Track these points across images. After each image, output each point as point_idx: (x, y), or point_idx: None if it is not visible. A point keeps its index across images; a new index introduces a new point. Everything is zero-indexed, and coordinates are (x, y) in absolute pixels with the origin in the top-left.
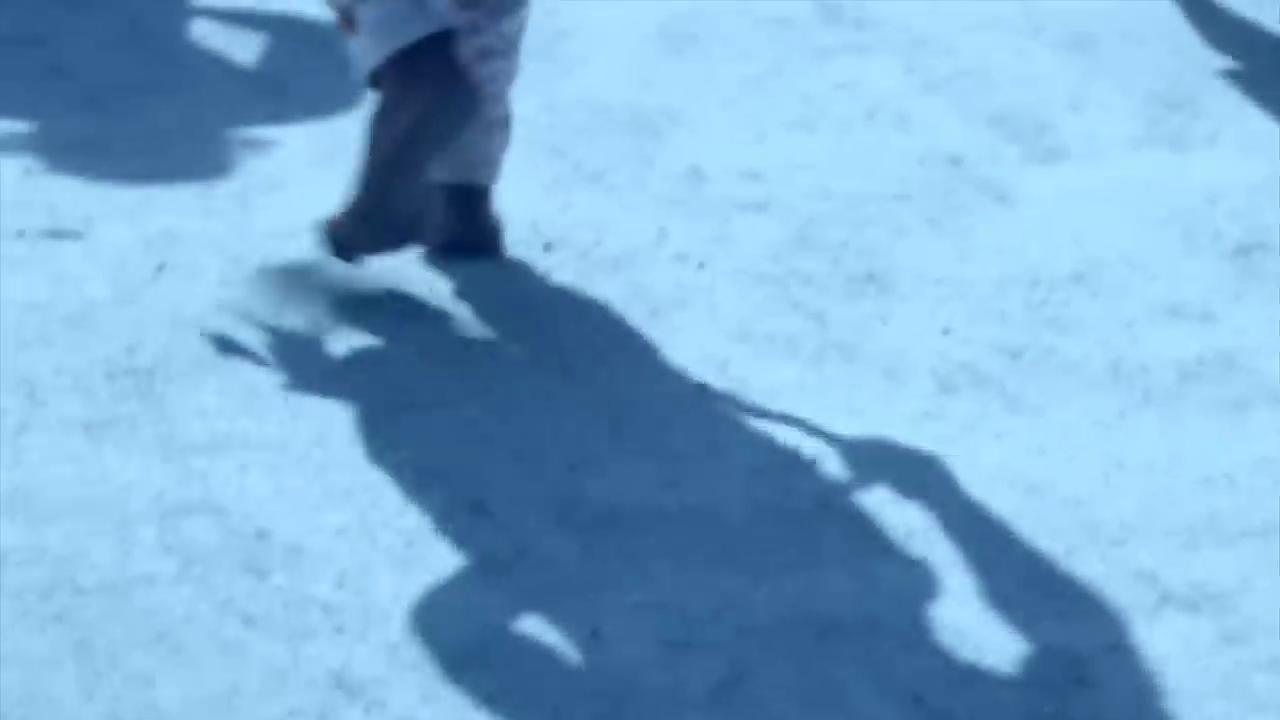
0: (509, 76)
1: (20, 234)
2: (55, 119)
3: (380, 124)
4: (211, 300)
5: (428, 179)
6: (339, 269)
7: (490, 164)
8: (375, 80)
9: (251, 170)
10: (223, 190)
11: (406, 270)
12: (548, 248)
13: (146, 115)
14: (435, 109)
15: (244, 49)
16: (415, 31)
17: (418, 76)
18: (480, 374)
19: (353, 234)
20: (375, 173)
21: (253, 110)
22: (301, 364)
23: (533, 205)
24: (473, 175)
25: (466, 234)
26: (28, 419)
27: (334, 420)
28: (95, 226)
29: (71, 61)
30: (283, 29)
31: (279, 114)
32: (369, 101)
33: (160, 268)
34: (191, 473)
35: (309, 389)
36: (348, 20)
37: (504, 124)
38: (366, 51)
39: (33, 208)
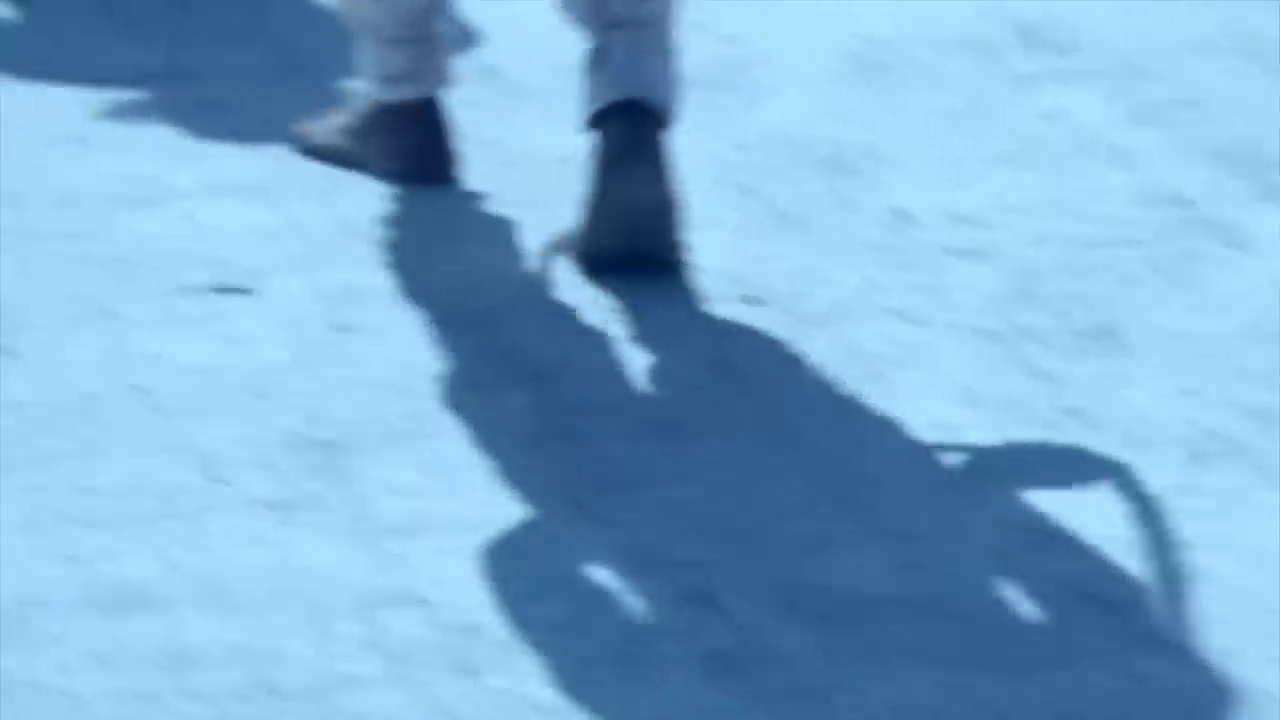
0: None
1: (185, 290)
2: (212, 161)
3: (357, 135)
4: (397, 363)
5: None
6: (527, 331)
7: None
8: (360, 121)
9: (432, 218)
10: (403, 239)
11: (600, 331)
12: (749, 301)
13: (313, 153)
14: (406, 175)
15: None
16: (409, 93)
17: (400, 135)
18: (691, 445)
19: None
20: (326, 153)
21: None
22: (499, 435)
23: (729, 253)
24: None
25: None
26: (209, 499)
27: (539, 498)
28: (266, 281)
29: (227, 98)
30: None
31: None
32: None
33: (341, 327)
34: (390, 558)
35: (509, 463)
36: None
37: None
38: (367, 81)
39: (197, 260)
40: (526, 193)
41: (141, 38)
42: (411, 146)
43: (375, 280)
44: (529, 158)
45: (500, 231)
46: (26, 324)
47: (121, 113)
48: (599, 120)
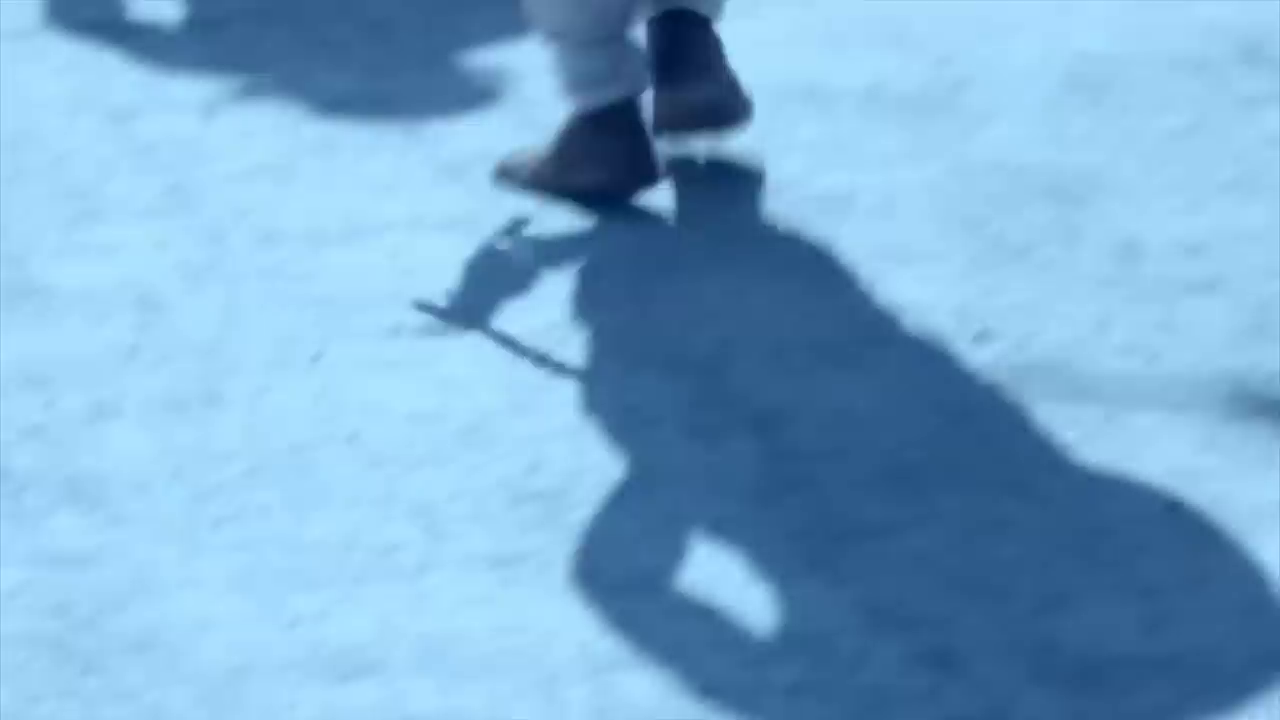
0: None
1: (396, 331)
2: (418, 193)
3: (558, 156)
4: (616, 407)
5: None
6: (751, 372)
7: None
8: (560, 140)
9: (646, 251)
10: (618, 277)
11: (827, 372)
12: (978, 339)
13: (523, 197)
14: (615, 182)
15: None
16: (609, 96)
17: (605, 140)
18: (925, 494)
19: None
20: (530, 183)
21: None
22: (725, 484)
23: (956, 288)
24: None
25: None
26: (429, 555)
27: (768, 553)
28: (475, 319)
29: (429, 126)
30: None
31: (663, 186)
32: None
33: (557, 369)
34: (618, 617)
35: (737, 514)
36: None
37: None
38: (561, 92)
39: (406, 299)
40: (743, 224)
41: (341, 65)
42: (617, 151)
43: (591, 317)
44: (746, 186)
45: (719, 264)
46: (233, 368)
47: (322, 143)
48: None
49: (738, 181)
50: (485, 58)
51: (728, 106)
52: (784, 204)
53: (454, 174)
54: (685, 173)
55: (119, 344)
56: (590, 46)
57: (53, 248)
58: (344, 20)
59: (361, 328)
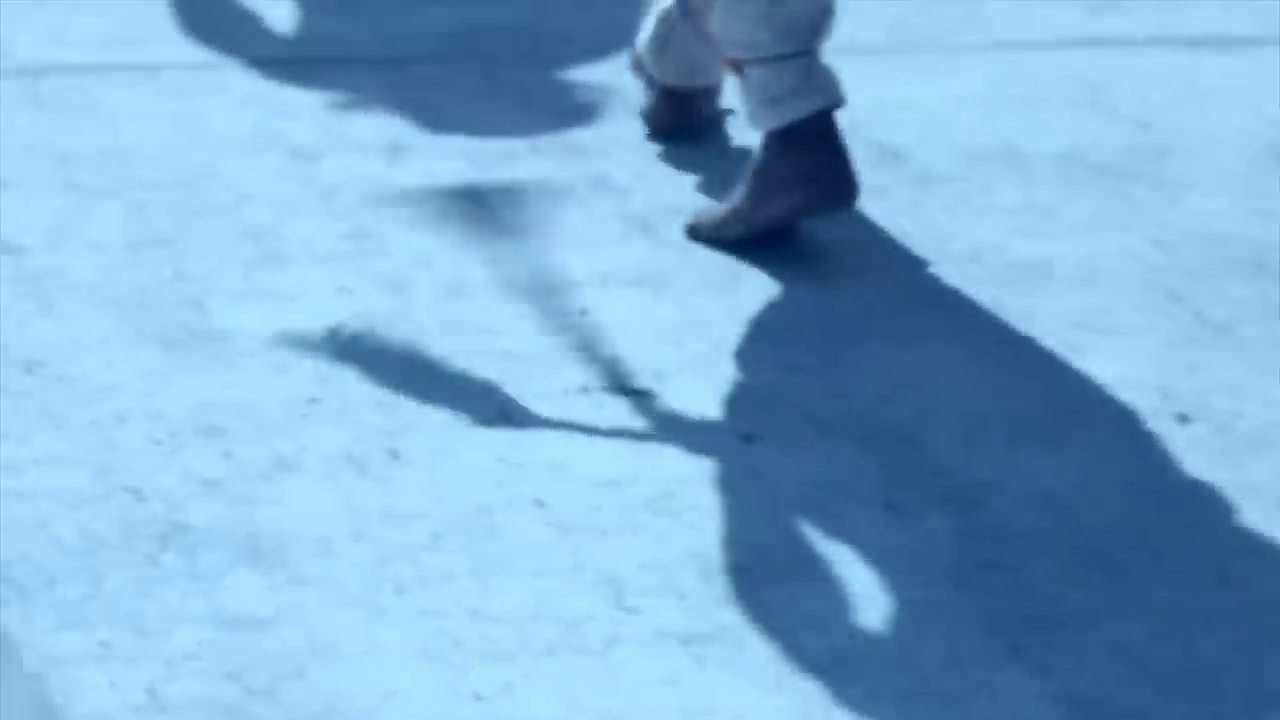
0: None
1: (583, 391)
2: (606, 247)
3: (756, 183)
4: (809, 478)
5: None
6: (948, 446)
7: (714, 68)
8: (761, 162)
9: (840, 315)
10: (811, 341)
11: (1024, 449)
12: (1180, 419)
13: (716, 252)
14: (816, 199)
15: None
16: (803, 109)
17: (802, 156)
18: (1126, 581)
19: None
20: (724, 227)
21: (832, 235)
22: (920, 564)
23: (1158, 364)
24: (694, 80)
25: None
26: (618, 628)
27: (964, 638)
28: (669, 382)
29: (617, 175)
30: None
31: (856, 249)
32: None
33: (748, 438)
34: (814, 702)
35: (932, 596)
36: (736, 66)
37: None
38: (753, 117)
39: (594, 358)
40: (940, 290)
41: (528, 108)
42: (816, 166)
43: (783, 384)
44: (941, 252)
45: (914, 333)
46: (415, 424)
47: (508, 190)
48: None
49: (933, 245)
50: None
51: None
52: (981, 270)
53: (645, 228)
54: (877, 234)
55: (299, 395)
56: (779, 63)
57: (233, 291)
58: (531, 63)
59: (548, 386)
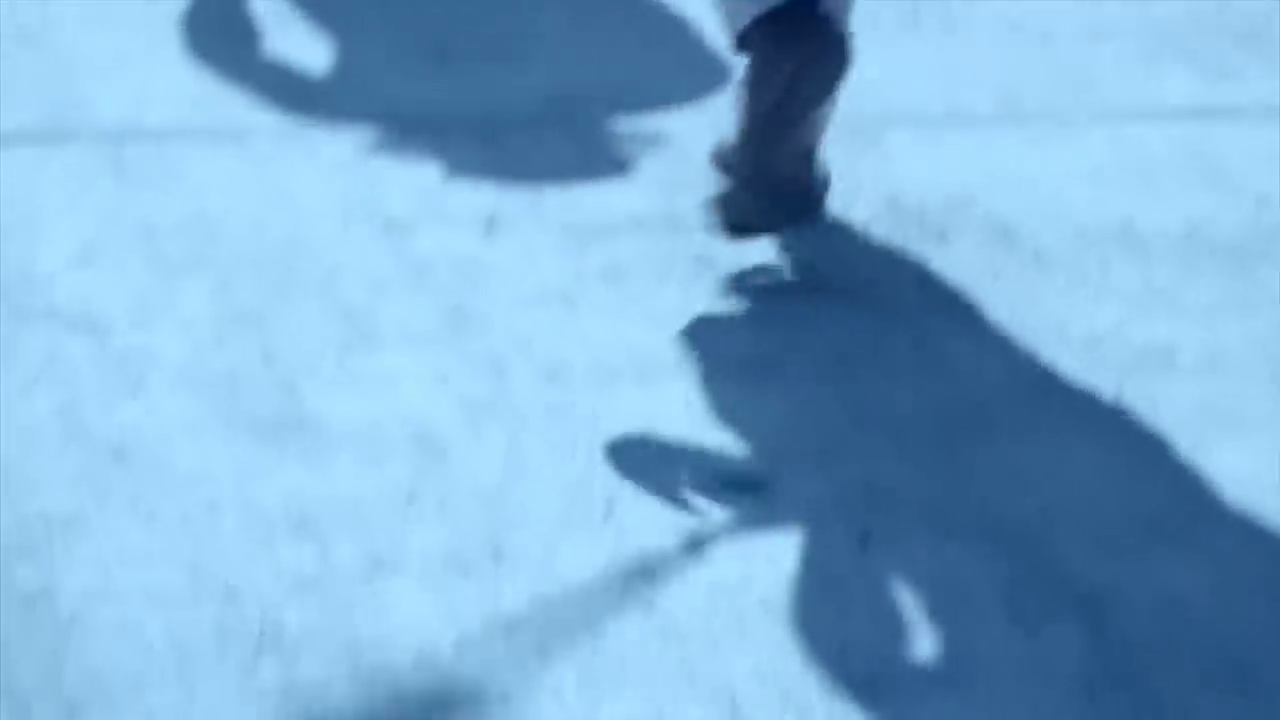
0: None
1: (692, 485)
2: (712, 329)
3: (752, 89)
4: (928, 582)
5: (810, 142)
6: (1078, 547)
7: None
8: (743, 43)
9: (960, 407)
10: (928, 433)
11: (1160, 551)
12: None
13: (822, 327)
14: (810, 65)
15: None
16: None
17: (789, 34)
18: (1268, 694)
19: (743, 210)
20: (754, 141)
21: (947, 319)
22: (1048, 678)
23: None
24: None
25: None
26: None
27: None
28: (781, 477)
29: (723, 254)
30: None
31: (972, 334)
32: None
33: (865, 537)
34: None
35: (1060, 710)
36: None
37: None
38: (735, 13)
39: (703, 452)
40: (1060, 379)
41: (628, 180)
42: (804, 44)
43: (900, 480)
44: (1059, 337)
45: (1035, 425)
46: (519, 520)
47: (609, 267)
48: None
49: (1050, 331)
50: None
51: None
52: (1101, 357)
53: (750, 309)
54: (993, 319)
55: (396, 489)
56: None
57: (325, 375)
58: (630, 129)
59: (656, 480)
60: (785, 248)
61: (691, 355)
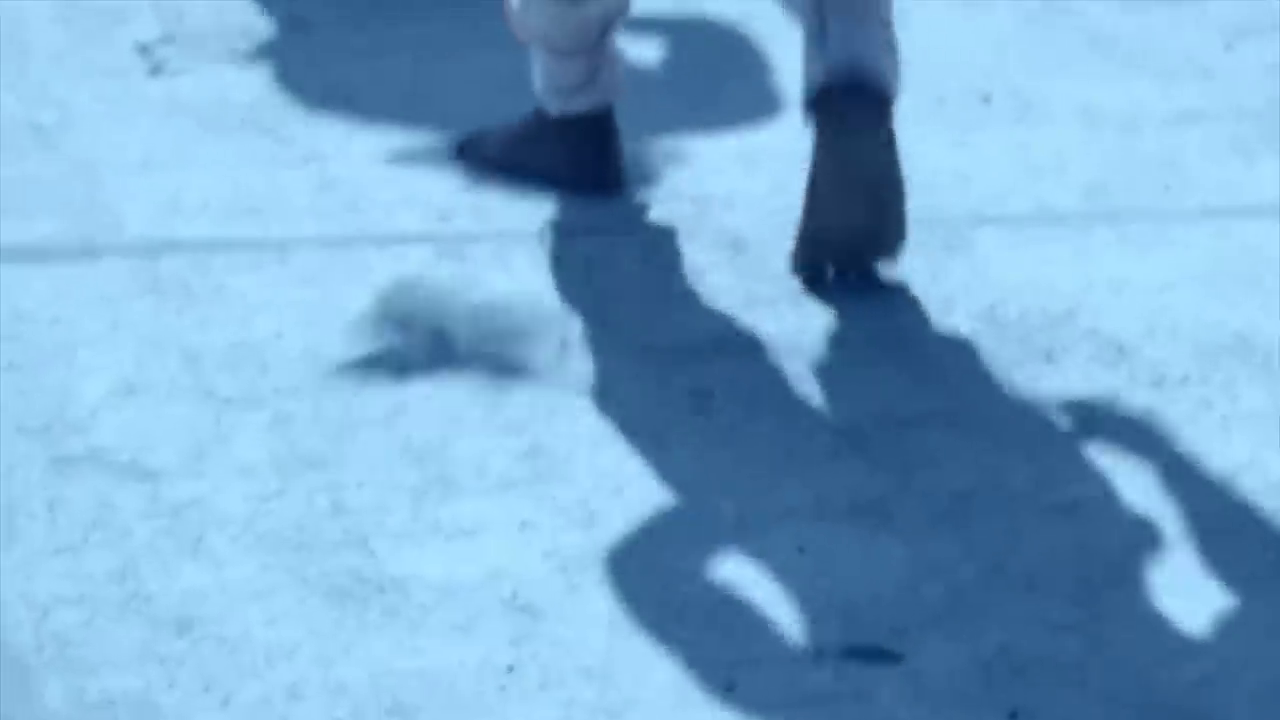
0: None
1: (814, 654)
2: (824, 470)
3: (528, 141)
4: None
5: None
6: None
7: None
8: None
9: (1094, 557)
10: (1063, 587)
11: None
12: None
13: (935, 462)
14: (577, 180)
15: None
16: (584, 105)
17: (576, 144)
18: None
19: (813, 255)
20: (500, 157)
21: (1068, 454)
22: None
23: None
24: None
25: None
26: None
27: None
28: (910, 641)
29: (824, 380)
30: None
31: (1101, 470)
32: None
33: (1013, 715)
34: None
35: None
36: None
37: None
38: (539, 94)
39: (823, 611)
40: (1203, 521)
41: (708, 295)
42: (582, 160)
43: (1040, 642)
44: (1194, 473)
45: (1175, 576)
46: (632, 701)
47: (696, 399)
48: (820, 102)
49: (1184, 464)
50: (879, 316)
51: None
52: (1242, 495)
53: (856, 443)
54: (1120, 451)
55: (492, 661)
56: (566, 57)
57: (399, 527)
58: (703, 238)
59: (776, 648)
60: (884, 367)
61: (797, 496)
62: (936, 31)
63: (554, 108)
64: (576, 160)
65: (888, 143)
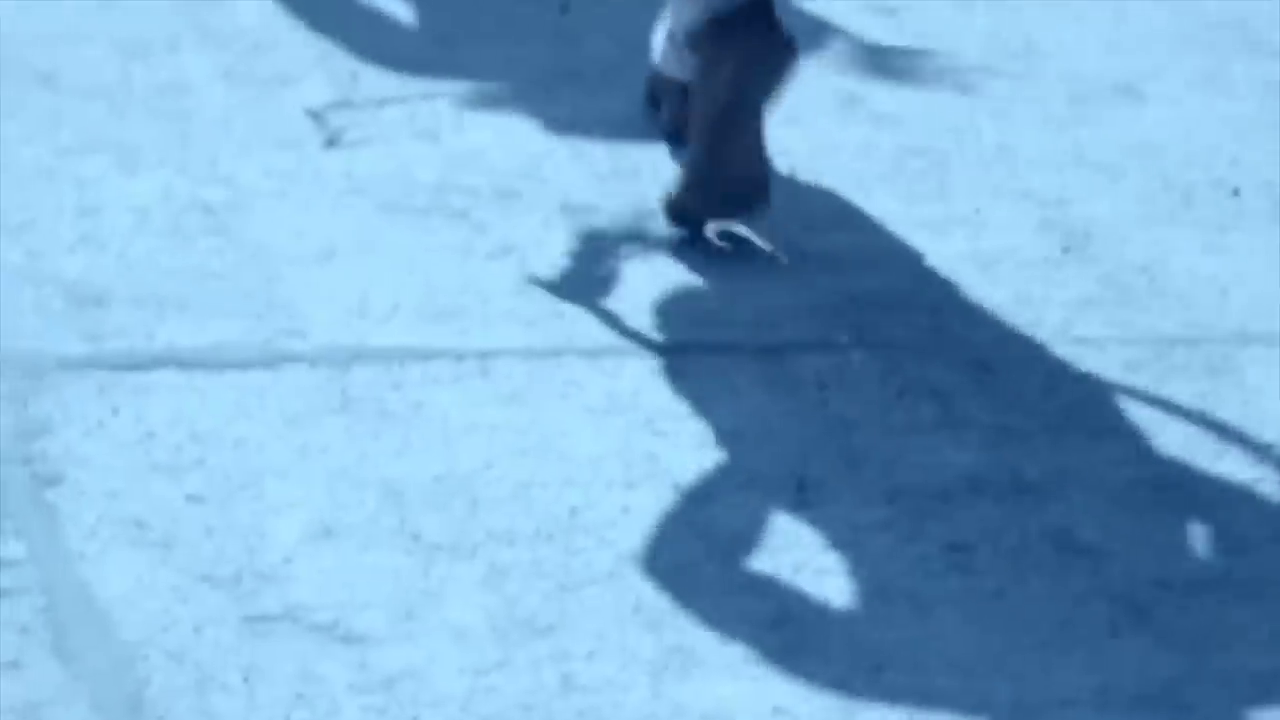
0: None
1: None
2: (1095, 640)
3: (702, 88)
4: None
5: (760, 138)
6: None
7: None
8: (694, 42)
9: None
10: None
11: None
12: None
13: (1238, 652)
14: (754, 64)
15: None
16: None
17: (735, 35)
18: None
19: (692, 203)
20: (704, 138)
21: None
22: None
23: None
24: None
25: None
26: None
27: None
28: None
29: (1087, 532)
30: None
31: None
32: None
33: None
34: None
35: None
36: None
37: None
38: (684, 12)
39: None
40: None
41: (962, 429)
42: (752, 46)
43: None
44: None
45: None
46: None
47: (958, 553)
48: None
49: None
50: (1144, 458)
51: None
52: None
53: (1136, 615)
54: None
55: None
56: None
57: (639, 708)
58: (941, 354)
59: None
60: (1157, 519)
61: (1076, 681)
62: (1173, 115)
63: (706, 9)
64: (743, 54)
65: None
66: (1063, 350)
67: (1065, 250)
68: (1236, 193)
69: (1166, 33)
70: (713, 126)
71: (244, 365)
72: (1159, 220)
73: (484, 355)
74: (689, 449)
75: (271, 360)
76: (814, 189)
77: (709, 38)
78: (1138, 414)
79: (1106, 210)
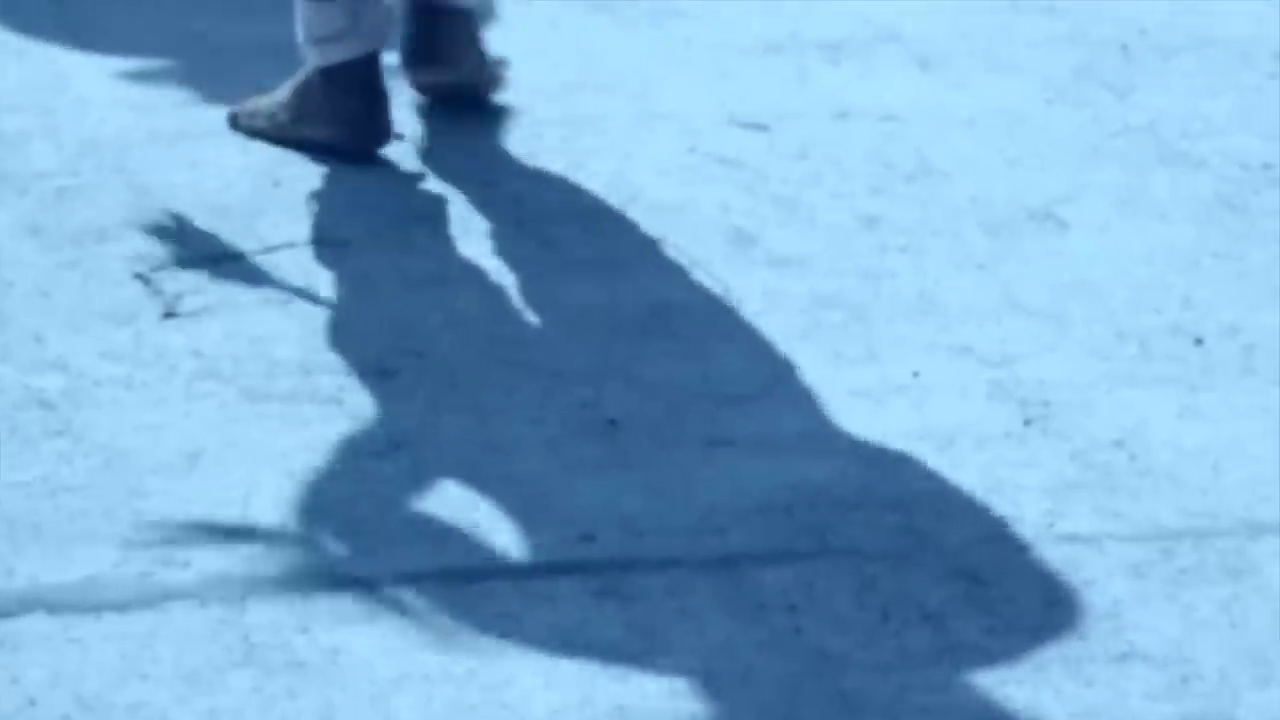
0: None
1: None
2: None
3: (295, 107)
4: None
5: None
6: None
7: None
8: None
9: None
10: None
11: None
12: None
13: None
14: (348, 139)
15: None
16: (345, 52)
17: (340, 97)
18: None
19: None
20: (267, 131)
21: None
22: None
23: None
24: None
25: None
26: None
27: None
28: None
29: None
30: None
31: None
32: None
33: None
34: None
35: None
36: None
37: None
38: (302, 46)
39: None
40: None
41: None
42: (352, 109)
43: None
44: None
45: None
46: None
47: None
48: None
49: None
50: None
51: (469, 90)
52: None
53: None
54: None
55: None
56: (328, 4)
57: None
58: (929, 564)
59: None
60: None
61: None
62: (1102, 246)
63: (314, 59)
64: (345, 114)
65: None
66: (1055, 552)
67: (1027, 423)
68: (1199, 342)
69: (1070, 144)
70: (281, 134)
71: (122, 607)
72: (1120, 380)
73: (397, 581)
74: (661, 698)
75: (153, 599)
76: (725, 348)
77: (319, 86)
78: (1161, 630)
79: (1059, 369)
